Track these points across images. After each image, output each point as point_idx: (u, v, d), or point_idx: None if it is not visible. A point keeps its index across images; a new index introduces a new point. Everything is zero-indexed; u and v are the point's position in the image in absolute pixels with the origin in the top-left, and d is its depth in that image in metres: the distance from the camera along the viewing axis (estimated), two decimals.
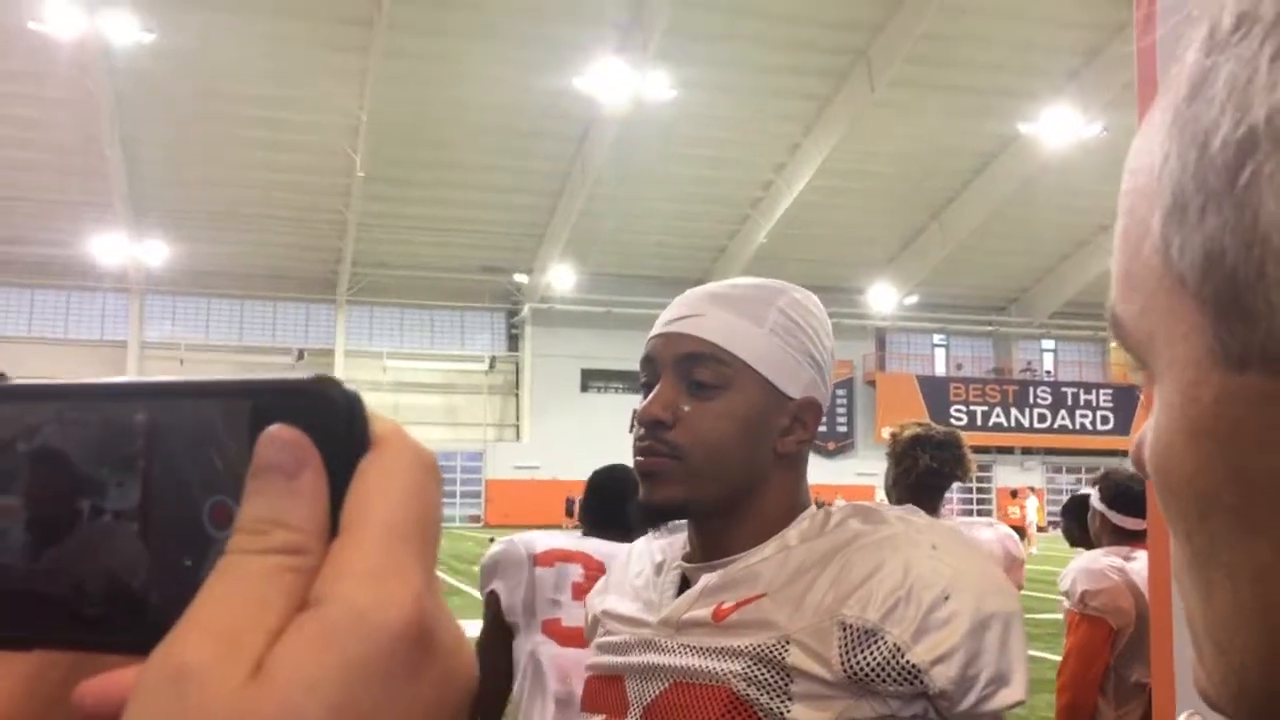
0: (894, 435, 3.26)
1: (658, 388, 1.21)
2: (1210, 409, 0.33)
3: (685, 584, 1.24)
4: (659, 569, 1.29)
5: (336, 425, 0.29)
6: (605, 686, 1.25)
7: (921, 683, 1.03)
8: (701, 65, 26.92)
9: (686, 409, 1.19)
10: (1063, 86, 28.01)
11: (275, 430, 0.29)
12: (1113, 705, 3.10)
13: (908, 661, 1.03)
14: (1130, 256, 0.36)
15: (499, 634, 2.55)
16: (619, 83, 26.90)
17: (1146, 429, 0.38)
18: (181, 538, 0.30)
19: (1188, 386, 0.34)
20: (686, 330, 1.21)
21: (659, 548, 1.32)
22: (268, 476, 0.29)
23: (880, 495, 3.88)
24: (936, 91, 28.04)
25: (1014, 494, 26.79)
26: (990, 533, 3.66)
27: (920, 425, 3.26)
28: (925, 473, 3.12)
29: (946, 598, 1.05)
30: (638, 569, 1.33)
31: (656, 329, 1.25)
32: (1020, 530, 24.64)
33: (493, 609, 2.56)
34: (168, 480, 0.30)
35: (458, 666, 0.29)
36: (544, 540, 2.63)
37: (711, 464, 1.18)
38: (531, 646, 2.52)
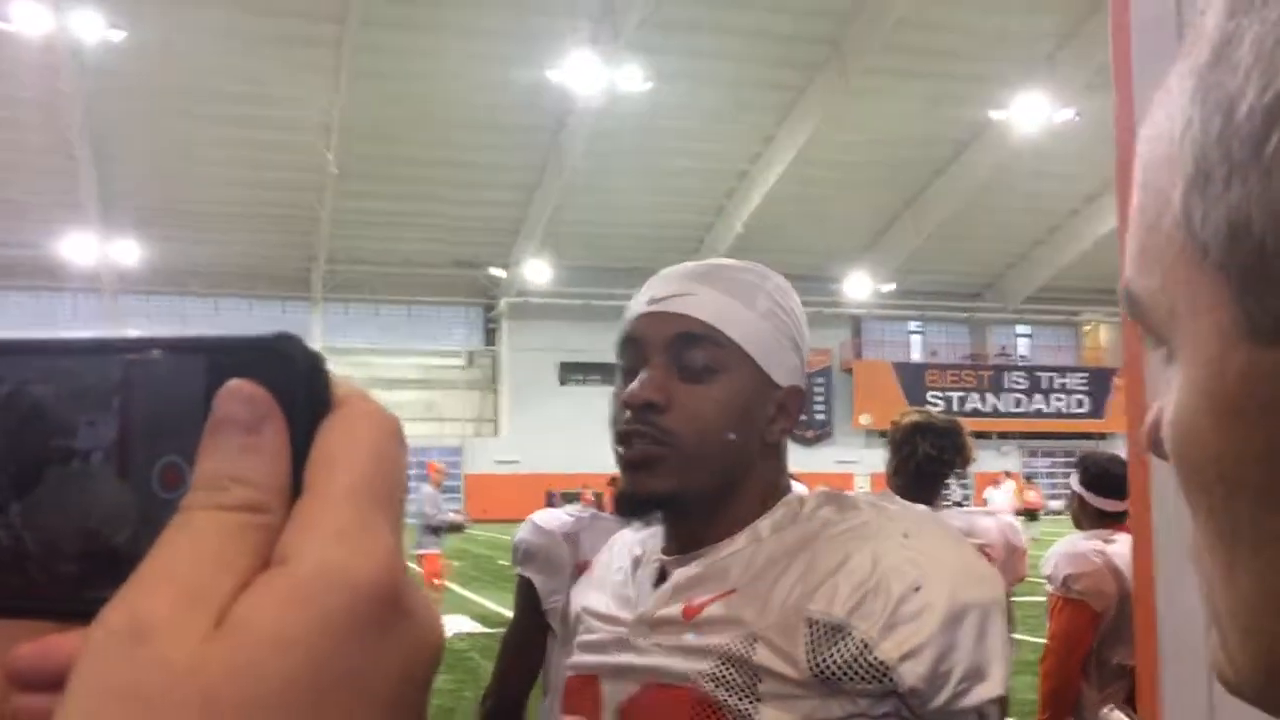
0: (894, 423, 3.25)
1: (647, 370, 1.13)
2: (1236, 384, 0.32)
3: (663, 577, 1.19)
4: (636, 563, 1.24)
5: (297, 383, 0.28)
6: (582, 687, 1.20)
7: (890, 680, 0.98)
8: (675, 56, 26.88)
9: (678, 393, 1.12)
10: (1034, 72, 28.12)
11: (235, 384, 0.28)
12: (1096, 688, 3.12)
13: (875, 658, 0.98)
14: (1148, 230, 0.35)
15: (530, 620, 2.29)
16: (592, 75, 26.83)
17: (1161, 407, 0.36)
18: (138, 499, 0.28)
19: (1212, 361, 0.33)
20: (679, 309, 1.13)
21: (639, 540, 1.26)
22: (227, 431, 0.28)
23: (859, 484, 3.87)
24: (909, 79, 28.09)
25: (1027, 477, 26.77)
26: (991, 521, 3.66)
27: (921, 413, 3.26)
28: (925, 460, 3.11)
29: (917, 589, 1.00)
30: (618, 564, 1.28)
31: (641, 308, 1.17)
32: (1034, 512, 24.61)
33: (526, 596, 2.31)
34: (129, 439, 0.29)
35: (427, 631, 0.28)
36: (590, 540, 2.22)
37: (704, 451, 1.11)
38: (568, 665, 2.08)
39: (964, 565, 1.04)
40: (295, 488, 0.28)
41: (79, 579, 0.28)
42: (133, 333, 0.29)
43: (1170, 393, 0.35)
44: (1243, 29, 0.31)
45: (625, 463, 1.15)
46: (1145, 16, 1.28)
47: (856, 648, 0.99)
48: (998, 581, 1.09)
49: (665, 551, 1.20)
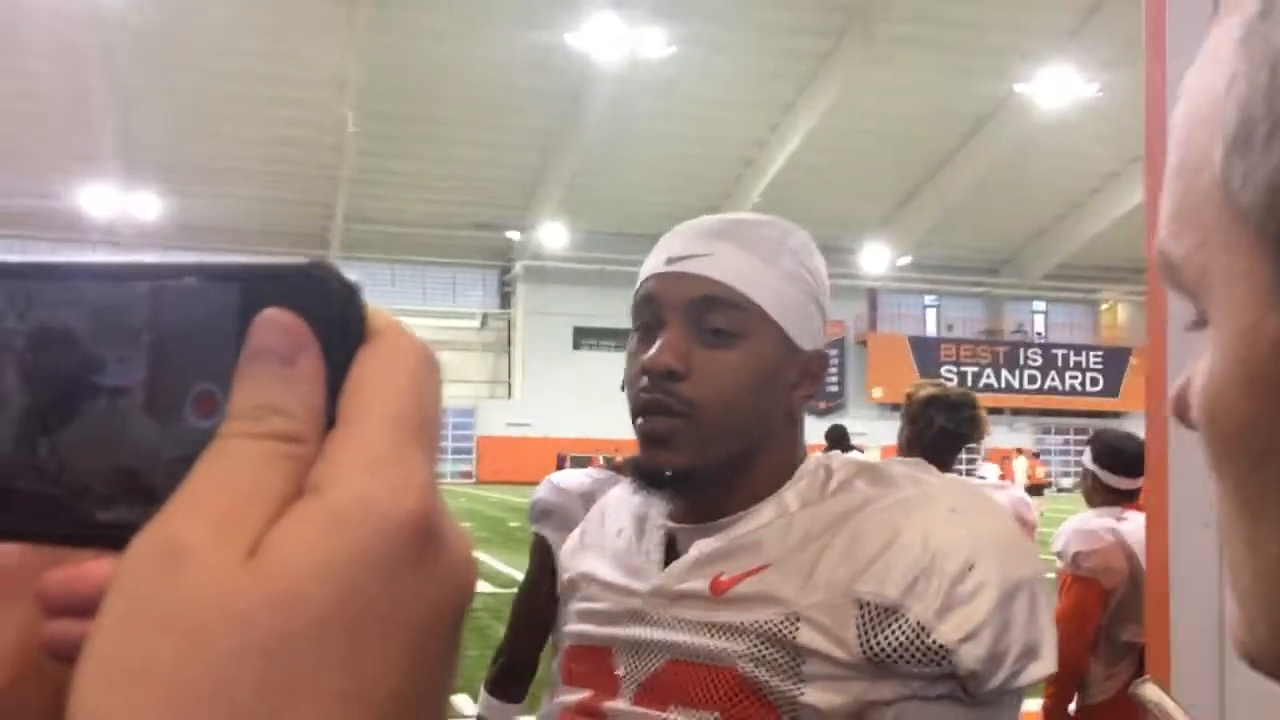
0: (909, 395, 3.25)
1: (666, 334, 1.07)
2: (1270, 353, 0.32)
3: (671, 545, 1.14)
4: (641, 527, 1.18)
5: (333, 313, 0.28)
6: (590, 658, 1.15)
7: (949, 663, 0.95)
8: (697, 22, 26.65)
9: (698, 359, 1.06)
10: (1060, 46, 27.80)
11: (272, 313, 0.28)
12: (1103, 664, 3.13)
13: (933, 641, 0.95)
14: (1185, 190, 0.34)
15: (544, 578, 2.25)
16: (614, 39, 26.64)
17: (1190, 374, 0.36)
18: (171, 426, 0.28)
19: (1246, 329, 0.32)
20: (699, 271, 1.08)
21: (639, 501, 1.19)
22: (263, 361, 0.27)
23: (870, 455, 3.87)
24: (932, 51, 27.81)
25: (1035, 454, 26.67)
26: (1002, 495, 3.66)
27: (935, 385, 3.26)
28: (939, 434, 3.11)
29: (971, 567, 0.96)
30: (617, 526, 1.21)
31: (658, 267, 1.11)
32: (1040, 488, 24.54)
33: (542, 553, 2.30)
34: (163, 365, 0.29)
35: (460, 564, 0.28)
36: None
37: (726, 421, 1.06)
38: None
39: (1011, 540, 1.01)
40: (330, 418, 0.28)
41: (111, 507, 0.28)
42: (168, 259, 0.29)
43: (1201, 359, 0.35)
44: None
45: (643, 435, 1.09)
46: None
47: (912, 630, 0.95)
48: (1038, 553, 1.06)
49: (674, 519, 1.15)
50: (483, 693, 2.39)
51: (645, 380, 1.08)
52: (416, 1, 26.13)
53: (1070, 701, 3.19)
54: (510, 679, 2.33)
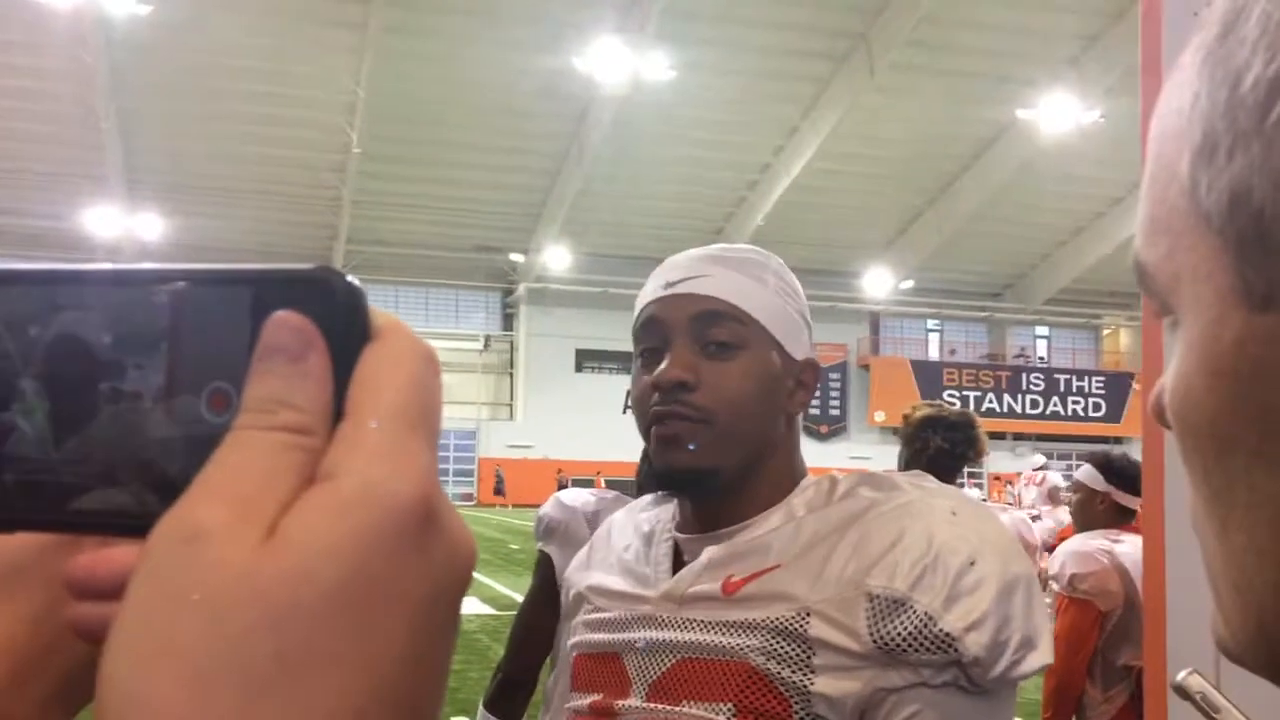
0: (906, 417, 3.25)
1: (673, 351, 1.16)
2: (1231, 348, 0.33)
3: (678, 555, 1.21)
4: (648, 540, 1.24)
5: (339, 313, 0.30)
6: (599, 665, 1.21)
7: (955, 650, 1.02)
8: (700, 46, 26.81)
9: (705, 371, 1.15)
10: (1061, 73, 27.93)
11: (282, 315, 0.29)
12: (1099, 688, 3.11)
13: (940, 630, 1.02)
14: (1157, 200, 0.37)
15: (547, 594, 2.31)
16: (617, 63, 26.79)
17: (1165, 376, 0.38)
18: (187, 422, 0.30)
19: (1210, 326, 0.34)
20: (698, 290, 1.17)
21: (644, 519, 1.27)
22: (274, 359, 0.29)
23: None
24: (935, 76, 27.95)
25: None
26: (1005, 518, 3.65)
27: (933, 406, 3.26)
28: (937, 454, 3.11)
29: (972, 563, 1.04)
30: (624, 542, 1.28)
31: (657, 292, 1.20)
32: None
33: (545, 569, 2.37)
34: (179, 365, 0.30)
35: (461, 546, 0.29)
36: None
37: (739, 426, 1.14)
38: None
39: (1007, 540, 1.09)
40: (337, 412, 0.29)
41: (133, 498, 0.30)
42: (183, 265, 0.31)
43: (1174, 358, 0.37)
44: (1250, 4, 0.33)
45: (660, 439, 1.16)
46: (1177, 6, 1.27)
47: (920, 620, 1.02)
48: (1028, 555, 1.15)
49: (681, 529, 1.21)
50: (481, 710, 2.39)
51: (657, 396, 1.16)
52: (423, 26, 26.29)
53: None
54: (508, 695, 2.34)
